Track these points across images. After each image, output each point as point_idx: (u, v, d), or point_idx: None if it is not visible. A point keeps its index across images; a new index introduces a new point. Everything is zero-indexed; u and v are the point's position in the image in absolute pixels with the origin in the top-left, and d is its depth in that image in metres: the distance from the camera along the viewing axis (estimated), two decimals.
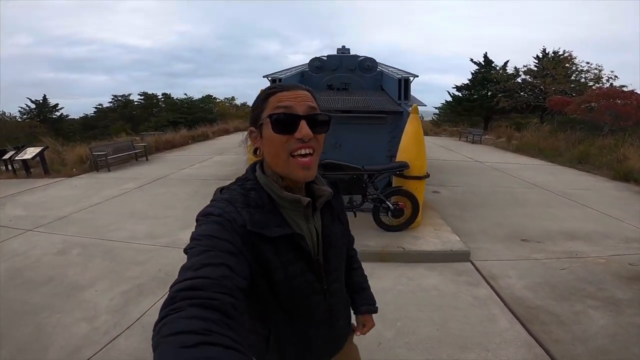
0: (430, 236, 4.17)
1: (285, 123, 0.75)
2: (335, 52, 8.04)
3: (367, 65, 6.95)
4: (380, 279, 3.41)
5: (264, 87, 0.87)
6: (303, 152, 0.76)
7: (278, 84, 0.82)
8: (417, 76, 5.78)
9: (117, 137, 15.41)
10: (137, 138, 14.51)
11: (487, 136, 17.52)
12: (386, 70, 6.75)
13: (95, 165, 9.15)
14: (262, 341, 0.87)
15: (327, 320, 0.92)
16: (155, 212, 5.51)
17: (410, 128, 4.34)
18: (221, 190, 0.84)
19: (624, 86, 15.31)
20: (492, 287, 3.28)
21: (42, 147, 9.26)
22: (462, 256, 3.78)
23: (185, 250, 0.67)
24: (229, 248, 0.67)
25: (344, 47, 8.40)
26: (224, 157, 10.95)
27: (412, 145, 4.31)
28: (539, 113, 20.58)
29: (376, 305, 1.18)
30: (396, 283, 3.33)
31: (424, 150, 4.37)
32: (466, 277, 3.46)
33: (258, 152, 0.83)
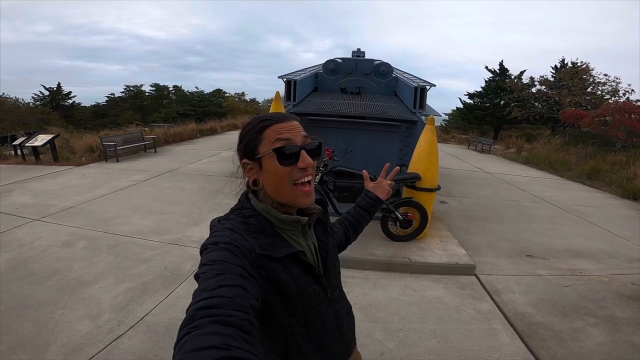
0: (437, 248, 4.16)
1: (290, 156, 0.80)
2: (347, 53, 8.01)
3: (383, 70, 6.91)
4: (385, 289, 3.41)
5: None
6: (305, 179, 0.83)
7: (268, 115, 0.87)
8: (435, 85, 5.72)
9: (127, 126, 15.50)
10: (147, 129, 14.59)
11: (496, 146, 17.36)
12: (402, 77, 6.70)
13: (105, 155, 9.21)
14: (281, 357, 0.89)
15: (336, 326, 0.97)
16: (162, 207, 5.54)
17: (425, 139, 4.30)
18: (219, 220, 0.87)
19: (639, 100, 15.02)
20: (495, 301, 3.28)
21: (53, 135, 9.34)
22: (467, 270, 3.77)
23: (197, 276, 0.69)
24: (241, 272, 0.69)
25: (359, 49, 8.36)
26: (231, 153, 10.76)
27: (425, 156, 4.27)
28: (551, 125, 20.32)
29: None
30: (401, 293, 3.32)
31: (437, 163, 4.33)
32: (470, 290, 3.46)
33: (258, 185, 0.86)
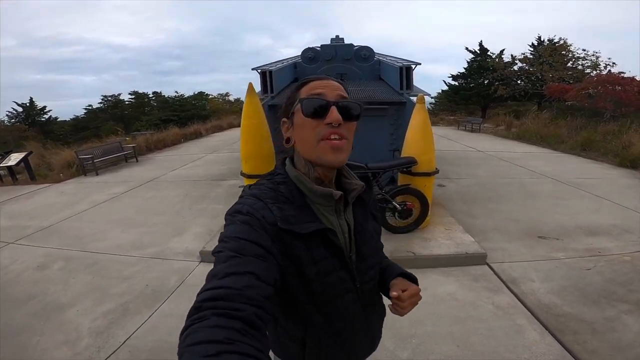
0: (442, 237, 3.86)
1: (316, 107, 0.75)
2: (328, 43, 7.65)
3: (364, 54, 6.56)
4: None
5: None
6: (333, 137, 0.75)
7: (311, 76, 0.83)
8: (420, 64, 5.43)
9: (108, 137, 14.95)
10: (128, 138, 14.08)
11: (485, 124, 17.25)
12: (384, 60, 6.39)
13: (83, 169, 8.78)
14: (298, 345, 0.85)
15: (362, 321, 0.89)
16: (144, 218, 5.17)
17: (417, 119, 3.98)
18: (250, 186, 0.82)
19: (622, 72, 14.97)
20: (514, 293, 2.99)
21: (25, 153, 8.91)
22: (478, 259, 3.48)
23: (214, 253, 0.67)
24: (257, 251, 0.65)
25: (337, 36, 8.01)
26: (217, 156, 10.55)
27: (419, 138, 3.95)
28: (537, 100, 20.33)
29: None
30: None
31: (432, 144, 4.01)
32: (485, 282, 3.17)
33: (290, 142, 0.82)
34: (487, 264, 3.47)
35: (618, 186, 6.26)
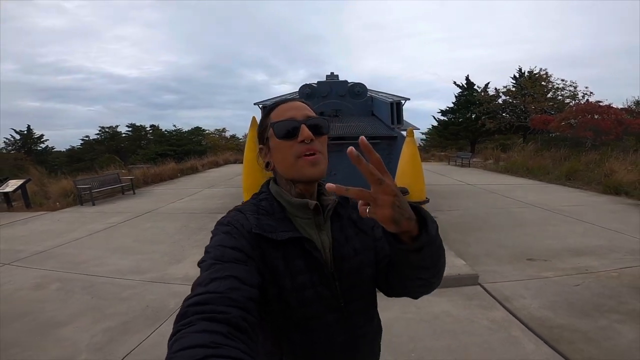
0: None
1: (288, 129, 0.78)
2: (323, 79, 8.06)
3: (357, 90, 6.94)
4: (386, 309, 3.11)
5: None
6: (308, 153, 0.78)
7: (277, 100, 0.90)
8: (409, 99, 5.78)
9: (105, 169, 15.01)
10: (125, 171, 14.17)
11: (475, 159, 17.71)
12: (376, 96, 6.76)
13: (80, 199, 8.81)
14: None
15: (349, 345, 0.83)
16: (141, 247, 5.21)
17: (407, 151, 4.22)
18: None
19: (599, 101, 15.62)
20: (507, 309, 3.10)
21: (24, 180, 8.97)
22: (470, 280, 3.60)
23: (199, 264, 0.69)
24: (237, 256, 0.68)
25: (332, 73, 8.46)
26: (213, 191, 10.64)
27: (409, 169, 4.17)
28: (522, 133, 20.92)
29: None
30: (404, 311, 3.08)
31: (422, 174, 4.23)
32: (478, 300, 3.28)
33: (269, 166, 0.85)
34: (480, 284, 3.59)
35: (603, 211, 6.54)
